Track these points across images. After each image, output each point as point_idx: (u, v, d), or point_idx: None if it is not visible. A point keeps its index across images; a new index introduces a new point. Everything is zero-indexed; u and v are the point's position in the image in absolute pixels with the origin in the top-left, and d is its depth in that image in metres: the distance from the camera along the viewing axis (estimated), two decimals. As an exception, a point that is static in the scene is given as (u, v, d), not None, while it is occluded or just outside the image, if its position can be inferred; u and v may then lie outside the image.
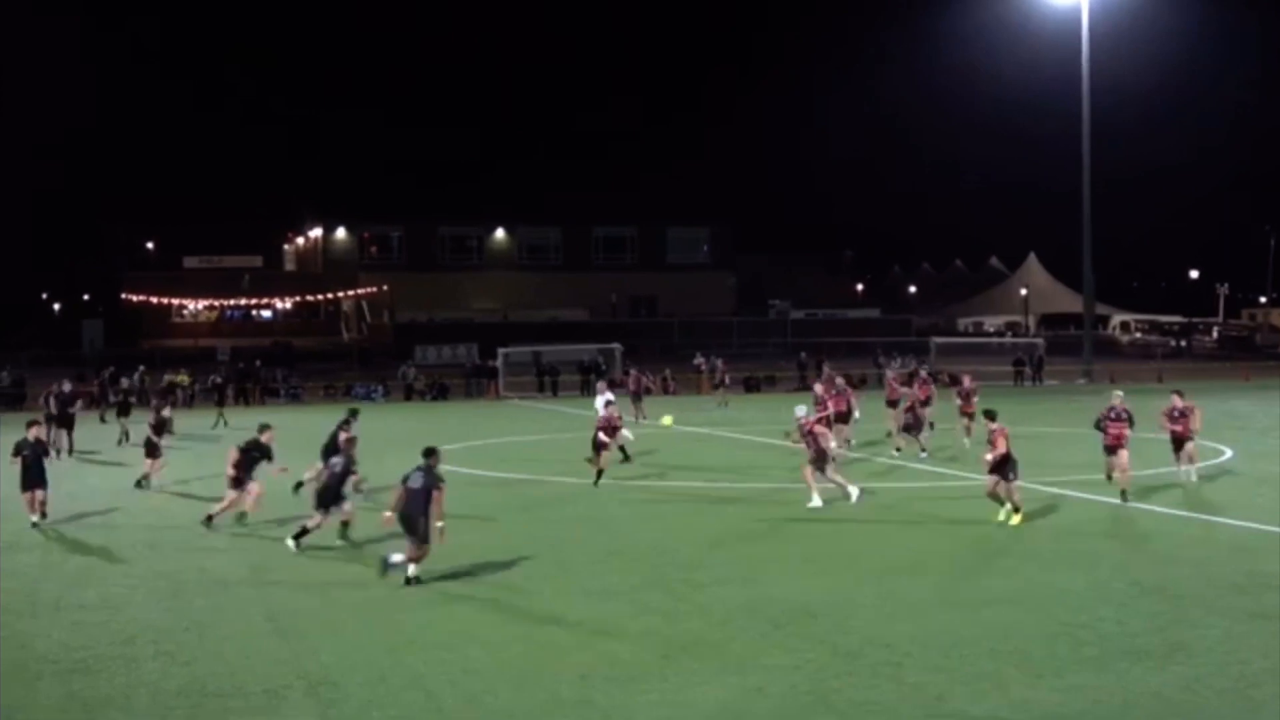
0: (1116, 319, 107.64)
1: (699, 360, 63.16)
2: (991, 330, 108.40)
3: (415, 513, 16.77)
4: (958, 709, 11.21)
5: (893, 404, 34.17)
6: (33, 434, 23.57)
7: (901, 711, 11.21)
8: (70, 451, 35.01)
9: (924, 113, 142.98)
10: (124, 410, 41.03)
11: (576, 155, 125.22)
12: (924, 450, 31.86)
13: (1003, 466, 20.87)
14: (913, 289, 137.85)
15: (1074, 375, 70.36)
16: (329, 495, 19.83)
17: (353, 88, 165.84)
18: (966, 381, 33.59)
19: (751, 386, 63.88)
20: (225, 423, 43.85)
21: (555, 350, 71.32)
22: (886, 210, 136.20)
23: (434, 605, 15.90)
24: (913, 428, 32.48)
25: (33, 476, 22.35)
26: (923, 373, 39.80)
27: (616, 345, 68.77)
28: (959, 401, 33.10)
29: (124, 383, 50.92)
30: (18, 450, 22.68)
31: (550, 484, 28.63)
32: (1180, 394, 26.73)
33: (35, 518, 22.30)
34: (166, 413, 32.00)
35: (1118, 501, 23.40)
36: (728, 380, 55.21)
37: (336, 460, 20.45)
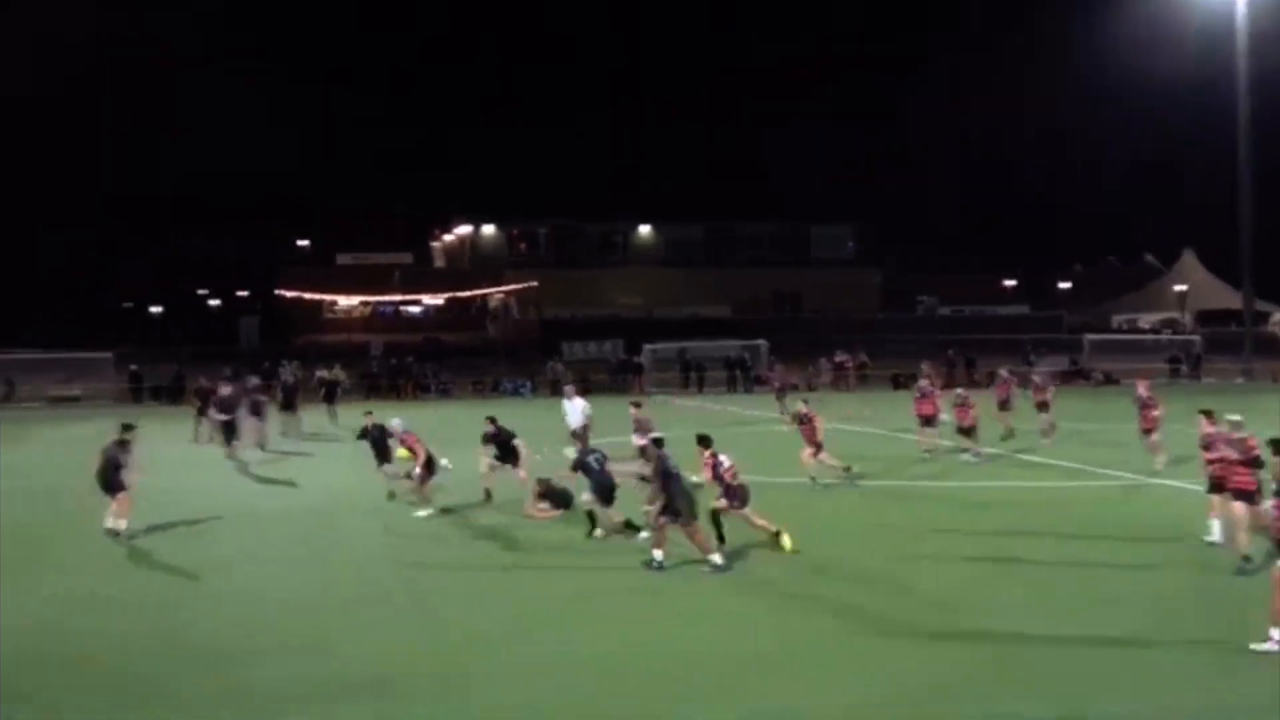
0: (1278, 316, 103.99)
1: (841, 356, 63.33)
2: (1147, 327, 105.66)
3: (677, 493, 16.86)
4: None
5: (1041, 406, 33.37)
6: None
7: None
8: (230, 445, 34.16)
9: (1073, 107, 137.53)
10: (288, 404, 41.89)
11: (720, 151, 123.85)
12: (976, 454, 30.32)
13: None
14: (1064, 285, 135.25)
15: (1233, 374, 67.24)
16: (607, 490, 19.68)
17: (501, 84, 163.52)
18: (1143, 390, 27.66)
19: (899, 384, 63.22)
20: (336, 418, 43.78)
21: (700, 346, 71.08)
22: (1035, 206, 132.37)
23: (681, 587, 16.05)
24: (971, 430, 30.72)
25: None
26: (1003, 373, 38.34)
27: (762, 341, 68.18)
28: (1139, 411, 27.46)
29: (284, 377, 50.91)
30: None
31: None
32: None
33: None
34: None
35: None
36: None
37: (593, 454, 20.29)
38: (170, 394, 59.66)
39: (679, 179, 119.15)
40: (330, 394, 53.34)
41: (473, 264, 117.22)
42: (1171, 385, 60.88)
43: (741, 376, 64.26)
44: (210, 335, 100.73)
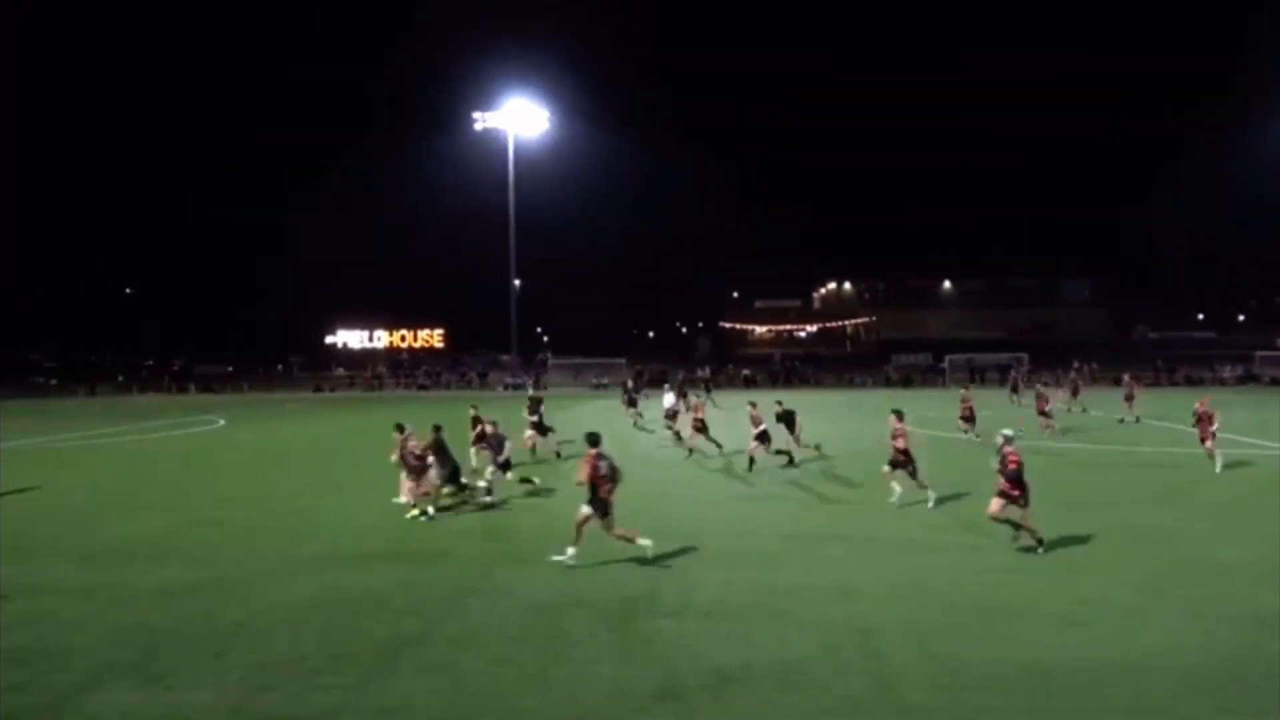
0: None
1: (1077, 364, 60.93)
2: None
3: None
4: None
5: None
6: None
7: None
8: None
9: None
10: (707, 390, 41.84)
11: (994, 225, 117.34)
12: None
13: None
14: (1240, 318, 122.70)
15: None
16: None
17: (861, 179, 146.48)
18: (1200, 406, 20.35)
19: (1116, 384, 61.45)
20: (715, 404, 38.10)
21: (981, 357, 72.24)
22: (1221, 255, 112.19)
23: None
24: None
25: None
26: (1126, 377, 35.88)
27: (1023, 354, 69.04)
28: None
29: (705, 372, 57.75)
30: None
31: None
32: None
33: None
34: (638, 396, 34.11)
35: None
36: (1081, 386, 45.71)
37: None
38: (655, 383, 65.33)
39: (968, 244, 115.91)
40: (750, 381, 65.21)
41: (837, 306, 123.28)
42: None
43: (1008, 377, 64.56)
44: (680, 349, 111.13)
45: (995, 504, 12.36)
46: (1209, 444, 19.52)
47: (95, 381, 76.74)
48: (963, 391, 28.37)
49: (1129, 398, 32.87)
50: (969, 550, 12.76)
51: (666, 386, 32.51)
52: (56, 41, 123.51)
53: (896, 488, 15.87)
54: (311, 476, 21.27)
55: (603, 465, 11.82)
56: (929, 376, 71.59)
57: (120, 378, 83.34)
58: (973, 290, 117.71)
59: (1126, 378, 35.63)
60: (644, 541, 11.98)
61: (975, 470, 17.04)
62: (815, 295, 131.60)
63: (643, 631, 9.34)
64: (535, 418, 22.81)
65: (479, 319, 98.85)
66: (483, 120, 68.90)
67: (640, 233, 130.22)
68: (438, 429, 16.15)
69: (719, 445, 23.07)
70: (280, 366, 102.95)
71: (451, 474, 16.08)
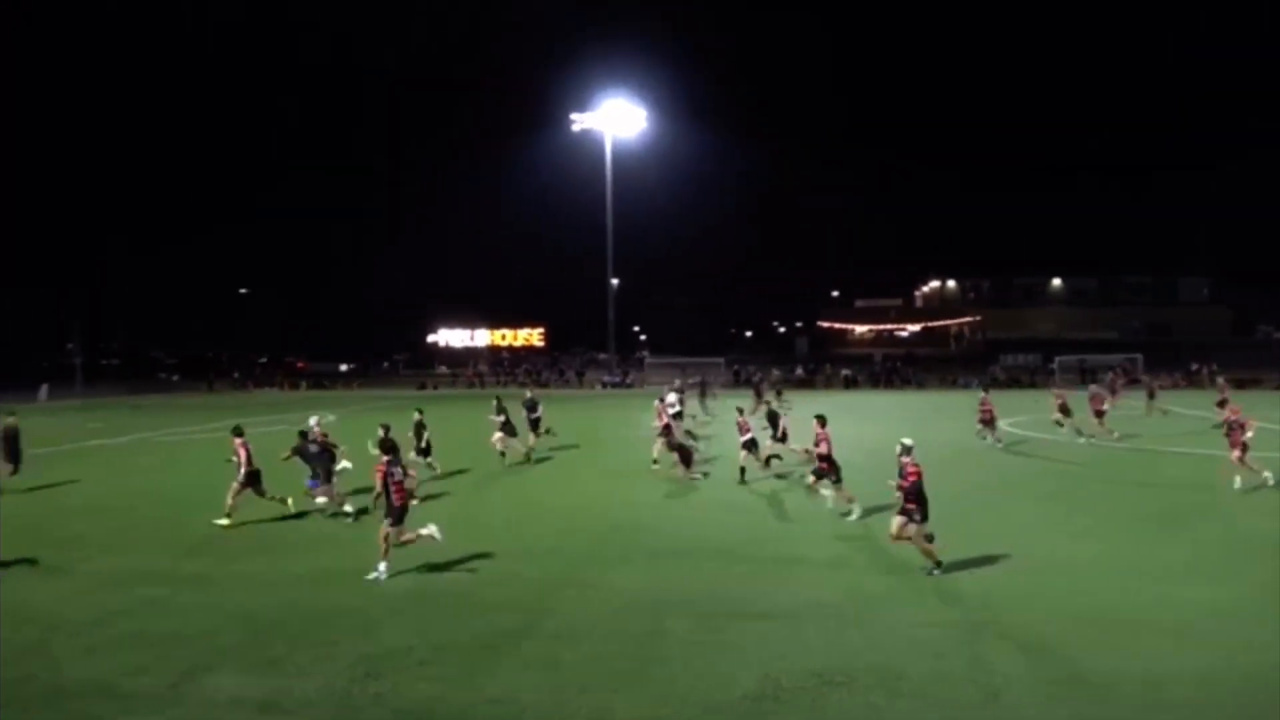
0: None
1: (1195, 366, 60.97)
2: None
3: None
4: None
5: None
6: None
7: None
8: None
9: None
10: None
11: (1106, 224, 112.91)
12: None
13: None
14: None
15: None
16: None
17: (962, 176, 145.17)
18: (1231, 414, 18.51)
19: (1241, 385, 55.11)
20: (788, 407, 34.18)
21: (1095, 358, 69.02)
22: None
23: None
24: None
25: None
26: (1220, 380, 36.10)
27: (1138, 355, 66.35)
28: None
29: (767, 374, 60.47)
30: None
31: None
32: None
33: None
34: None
35: None
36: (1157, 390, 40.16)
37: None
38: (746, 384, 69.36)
39: (1078, 241, 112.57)
40: (850, 382, 65.08)
41: (941, 305, 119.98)
42: None
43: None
44: (779, 348, 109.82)
45: (896, 522, 11.42)
46: (1237, 454, 17.26)
47: (213, 378, 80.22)
48: (982, 394, 27.53)
49: (1151, 394, 33.53)
50: (1073, 557, 12.36)
51: (667, 388, 31.52)
52: (177, 43, 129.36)
53: (826, 493, 15.59)
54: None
55: (396, 473, 11.61)
56: (1037, 378, 68.74)
57: (236, 374, 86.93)
58: (1084, 288, 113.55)
59: (1146, 377, 35.46)
60: (426, 531, 11.75)
61: (1037, 476, 16.39)
62: (917, 294, 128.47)
63: (737, 632, 9.28)
64: (502, 417, 21.94)
65: (577, 318, 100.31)
66: (580, 121, 69.65)
67: (738, 231, 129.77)
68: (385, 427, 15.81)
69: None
70: (386, 364, 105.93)
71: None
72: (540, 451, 23.52)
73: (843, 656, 8.53)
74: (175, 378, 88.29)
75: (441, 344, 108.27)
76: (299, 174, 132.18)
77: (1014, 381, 67.57)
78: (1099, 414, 25.97)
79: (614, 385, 68.20)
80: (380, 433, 15.32)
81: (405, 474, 11.81)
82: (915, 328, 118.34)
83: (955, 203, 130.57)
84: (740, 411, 19.85)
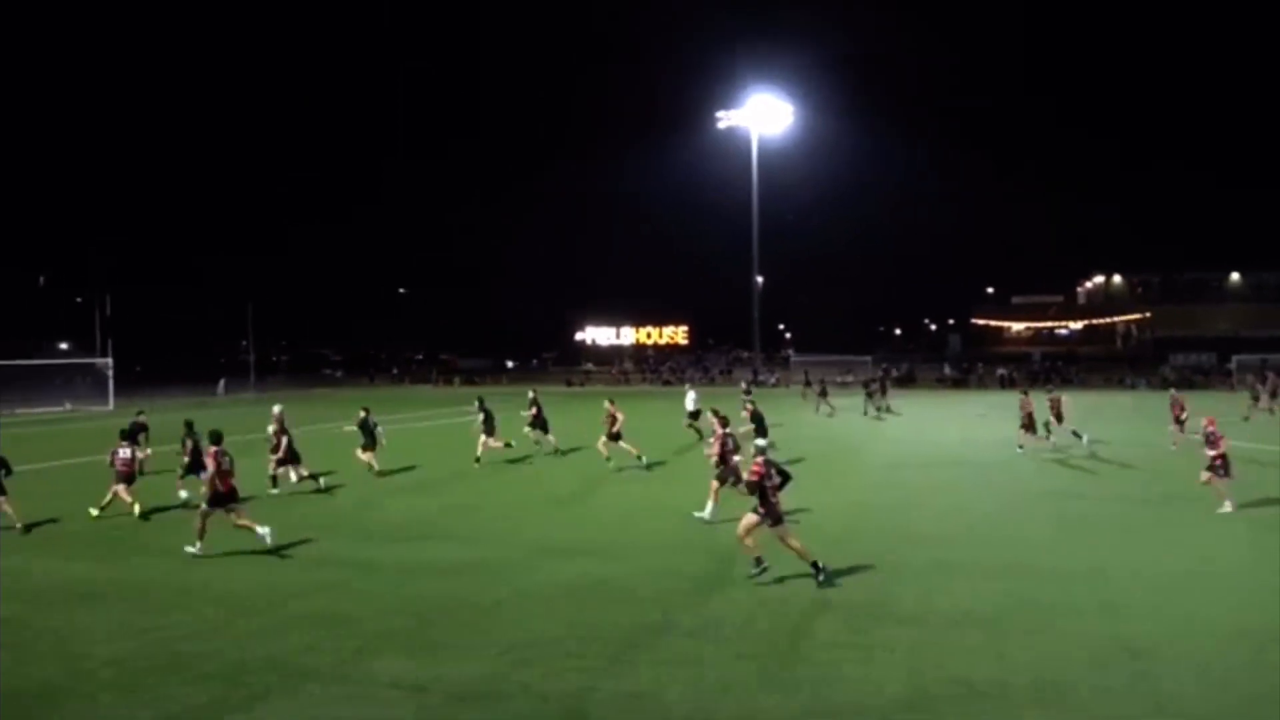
0: None
1: None
2: None
3: None
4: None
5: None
6: None
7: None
8: None
9: None
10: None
11: None
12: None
13: None
14: None
15: None
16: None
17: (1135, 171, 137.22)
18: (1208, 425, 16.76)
19: None
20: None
21: (1277, 357, 62.36)
22: None
23: None
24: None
25: None
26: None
27: None
28: None
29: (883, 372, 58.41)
30: None
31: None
32: None
33: None
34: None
35: None
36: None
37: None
38: (904, 381, 67.40)
39: (1259, 232, 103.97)
40: (1007, 381, 62.71)
41: (1105, 301, 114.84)
42: None
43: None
44: (930, 347, 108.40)
45: (746, 520, 11.10)
46: (1206, 475, 15.56)
47: (374, 373, 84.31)
48: (1172, 393, 26.11)
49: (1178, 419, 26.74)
50: (1247, 575, 11.58)
51: (688, 386, 31.60)
52: (323, 49, 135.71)
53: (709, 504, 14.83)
54: (562, 463, 22.53)
55: (225, 461, 12.77)
56: (1213, 378, 66.54)
57: (394, 370, 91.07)
58: (1266, 283, 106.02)
59: (1174, 392, 28.29)
60: (261, 530, 12.53)
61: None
62: (1080, 290, 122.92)
63: (886, 637, 9.14)
64: (481, 415, 22.48)
65: (722, 316, 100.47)
66: (726, 118, 69.57)
67: (887, 227, 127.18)
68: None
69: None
70: (535, 362, 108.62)
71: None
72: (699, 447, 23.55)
73: (997, 667, 8.26)
74: (339, 374, 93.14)
75: (588, 341, 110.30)
76: (454, 176, 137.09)
77: (1186, 382, 63.14)
78: (1178, 421, 24.41)
79: (758, 384, 67.71)
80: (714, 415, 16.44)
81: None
82: (1077, 325, 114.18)
83: (1122, 192, 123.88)
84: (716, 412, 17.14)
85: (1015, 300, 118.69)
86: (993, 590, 10.77)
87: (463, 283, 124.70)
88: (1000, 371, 70.28)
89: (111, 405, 49.12)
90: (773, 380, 69.88)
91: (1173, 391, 26.48)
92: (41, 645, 9.24)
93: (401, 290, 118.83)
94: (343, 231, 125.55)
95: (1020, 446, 24.06)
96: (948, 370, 72.50)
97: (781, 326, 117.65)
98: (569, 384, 76.61)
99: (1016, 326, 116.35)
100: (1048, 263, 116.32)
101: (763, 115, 69.02)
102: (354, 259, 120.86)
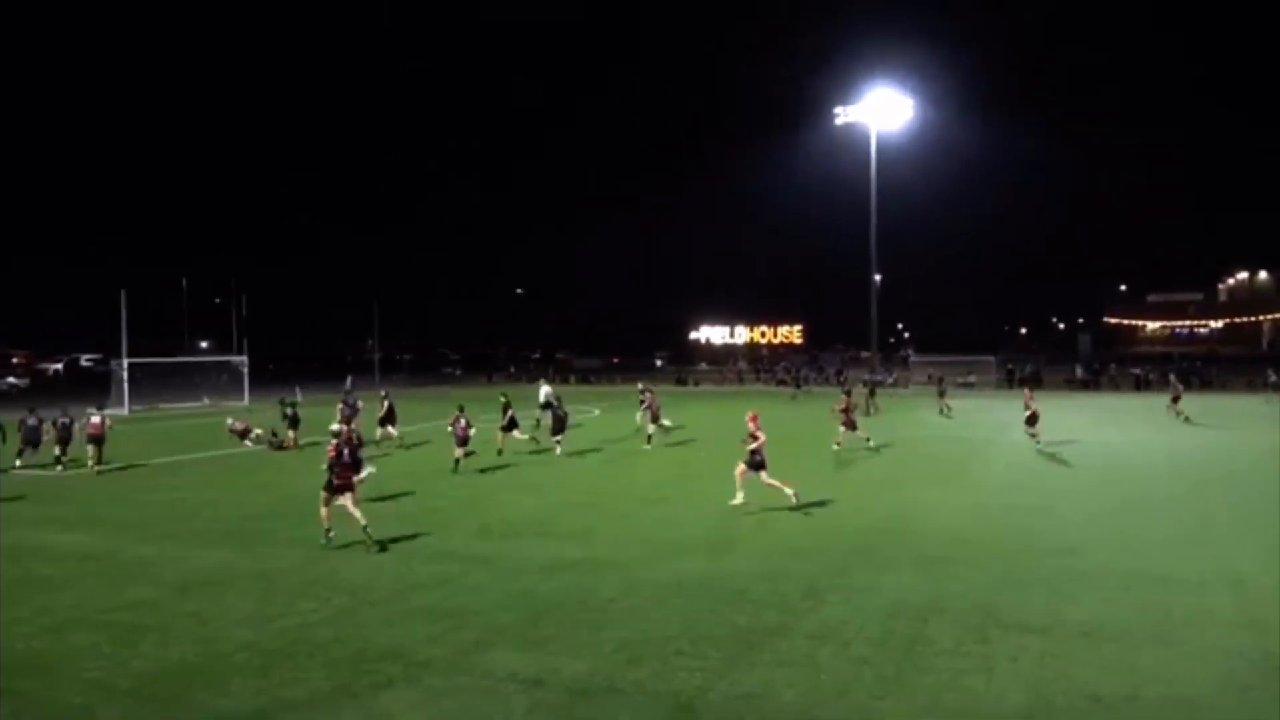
0: None
1: None
2: None
3: None
4: None
5: None
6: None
7: None
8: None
9: None
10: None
11: None
12: None
13: None
14: None
15: None
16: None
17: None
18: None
19: None
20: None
21: None
22: None
23: None
24: None
25: None
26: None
27: None
28: None
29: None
30: None
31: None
32: None
33: None
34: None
35: None
36: None
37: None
38: (1031, 381, 62.75)
39: None
40: (1142, 383, 60.17)
41: (1249, 299, 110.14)
42: None
43: None
44: (1058, 346, 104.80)
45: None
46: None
47: (492, 371, 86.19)
48: (1026, 391, 27.63)
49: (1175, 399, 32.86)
50: None
51: (542, 381, 33.66)
52: (457, 55, 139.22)
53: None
54: (675, 463, 22.63)
55: (345, 452, 13.38)
56: None
57: (511, 369, 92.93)
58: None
59: (1173, 377, 35.59)
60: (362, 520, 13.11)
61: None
62: (1221, 287, 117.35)
63: (1009, 646, 8.87)
64: (509, 414, 24.39)
65: (837, 315, 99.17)
66: (843, 114, 68.40)
67: (1011, 223, 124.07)
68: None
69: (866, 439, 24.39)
70: (659, 363, 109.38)
71: None
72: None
73: (1129, 681, 7.94)
74: (458, 372, 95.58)
75: (702, 341, 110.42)
76: (571, 179, 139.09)
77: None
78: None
79: (876, 384, 66.42)
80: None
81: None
82: (1217, 324, 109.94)
83: (1269, 180, 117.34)
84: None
85: (1151, 298, 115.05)
86: (1131, 600, 10.36)
87: (579, 282, 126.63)
88: (1135, 372, 66.97)
89: (247, 400, 51.32)
90: (890, 380, 68.46)
91: (1026, 391, 27.66)
92: (181, 628, 9.80)
93: (519, 290, 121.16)
94: (464, 233, 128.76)
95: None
96: (1079, 371, 69.43)
97: (900, 325, 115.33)
98: (680, 382, 76.66)
99: (1152, 325, 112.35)
100: (1186, 259, 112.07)
101: (882, 110, 67.57)
102: (476, 260, 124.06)
